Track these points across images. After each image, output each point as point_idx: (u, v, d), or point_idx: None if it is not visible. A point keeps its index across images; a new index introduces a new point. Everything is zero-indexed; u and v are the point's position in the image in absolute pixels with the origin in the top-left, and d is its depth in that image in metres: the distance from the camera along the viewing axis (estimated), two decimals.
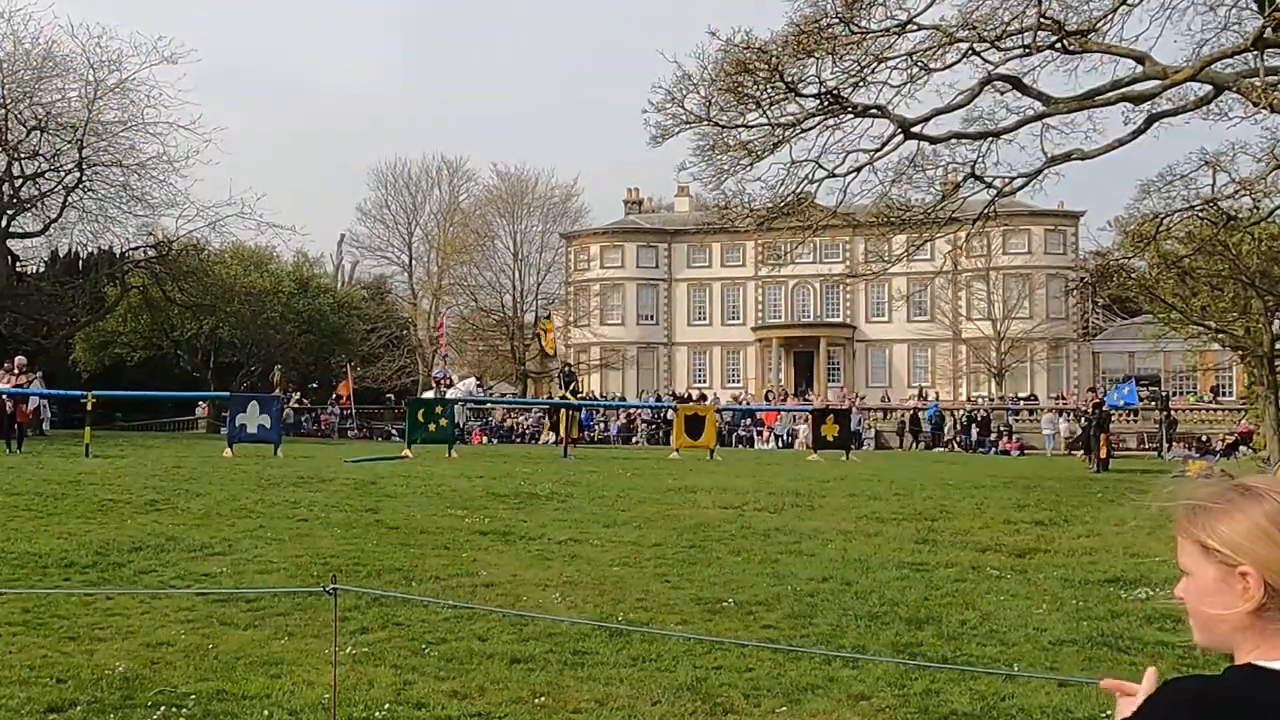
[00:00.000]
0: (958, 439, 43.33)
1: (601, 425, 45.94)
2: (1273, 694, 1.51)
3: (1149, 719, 1.58)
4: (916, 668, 5.82)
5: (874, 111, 19.88)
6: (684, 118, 20.14)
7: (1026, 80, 19.51)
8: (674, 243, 64.72)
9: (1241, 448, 34.84)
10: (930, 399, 49.52)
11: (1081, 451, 28.98)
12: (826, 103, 19.53)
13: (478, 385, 39.51)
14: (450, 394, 30.44)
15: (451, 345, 58.80)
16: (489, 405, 46.83)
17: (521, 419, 47.08)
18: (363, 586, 7.57)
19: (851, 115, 20.03)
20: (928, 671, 5.81)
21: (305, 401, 48.09)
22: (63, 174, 34.31)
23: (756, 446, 41.44)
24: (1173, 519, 1.67)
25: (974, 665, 6.02)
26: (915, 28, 18.95)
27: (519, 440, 43.22)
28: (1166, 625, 7.05)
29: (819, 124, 20.02)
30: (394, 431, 40.16)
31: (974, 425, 43.50)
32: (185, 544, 9.44)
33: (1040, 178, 20.44)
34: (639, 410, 46.32)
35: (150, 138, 34.11)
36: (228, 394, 29.02)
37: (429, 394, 32.46)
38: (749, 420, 44.61)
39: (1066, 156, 19.92)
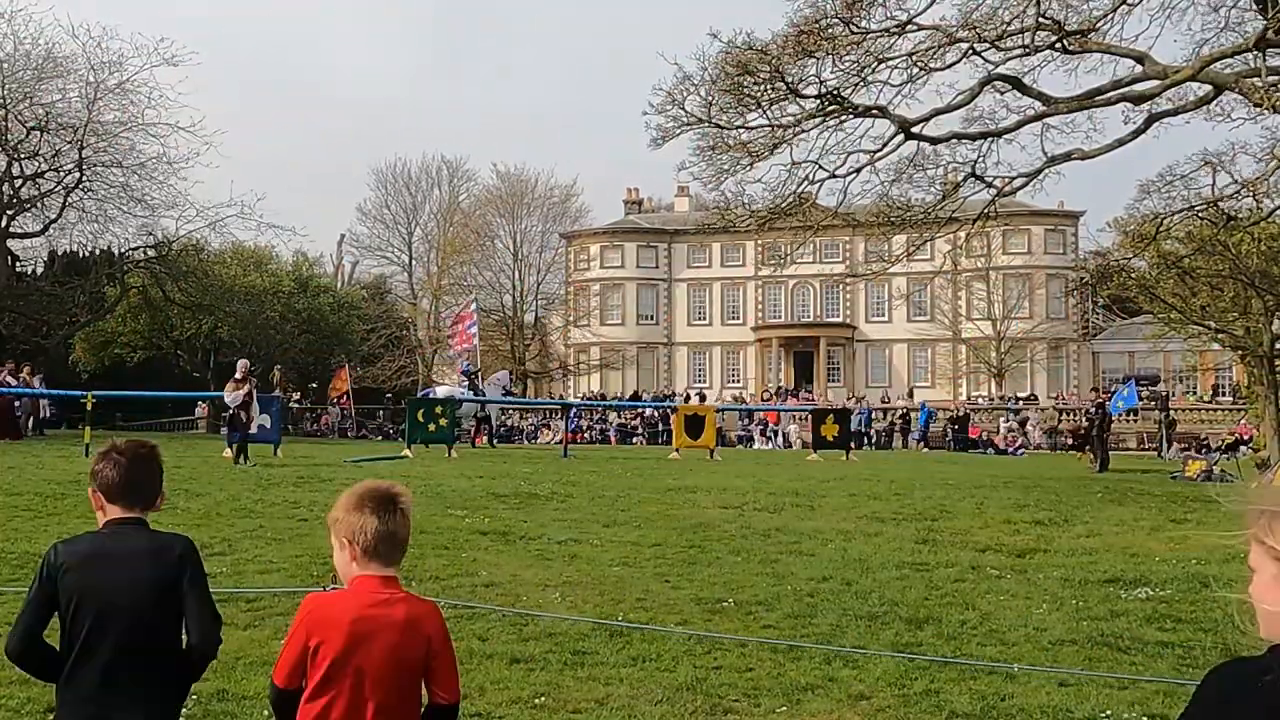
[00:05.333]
0: (948, 440, 43.35)
1: (600, 425, 45.92)
2: None
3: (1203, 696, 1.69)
4: (916, 668, 5.82)
5: (874, 112, 19.88)
6: (684, 119, 20.13)
7: (1026, 80, 19.52)
8: (674, 243, 64.72)
9: (1241, 448, 34.82)
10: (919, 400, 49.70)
11: (1084, 450, 28.93)
12: (827, 103, 19.53)
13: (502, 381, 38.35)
14: (486, 389, 29.90)
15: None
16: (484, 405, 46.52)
17: (524, 419, 47.04)
18: None
19: (852, 115, 20.02)
20: (928, 671, 5.81)
21: (305, 401, 48.02)
22: (63, 174, 34.24)
23: (755, 446, 41.45)
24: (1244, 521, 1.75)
25: (974, 665, 6.02)
26: (915, 28, 18.95)
27: (517, 440, 43.18)
28: (1166, 625, 7.05)
29: (819, 124, 20.01)
30: (394, 431, 40.08)
31: (954, 425, 43.48)
32: None
33: (1040, 177, 20.45)
34: (639, 410, 46.30)
35: (150, 139, 34.09)
36: None
37: (453, 391, 30.89)
38: (748, 420, 44.61)
39: (1066, 156, 19.91)
